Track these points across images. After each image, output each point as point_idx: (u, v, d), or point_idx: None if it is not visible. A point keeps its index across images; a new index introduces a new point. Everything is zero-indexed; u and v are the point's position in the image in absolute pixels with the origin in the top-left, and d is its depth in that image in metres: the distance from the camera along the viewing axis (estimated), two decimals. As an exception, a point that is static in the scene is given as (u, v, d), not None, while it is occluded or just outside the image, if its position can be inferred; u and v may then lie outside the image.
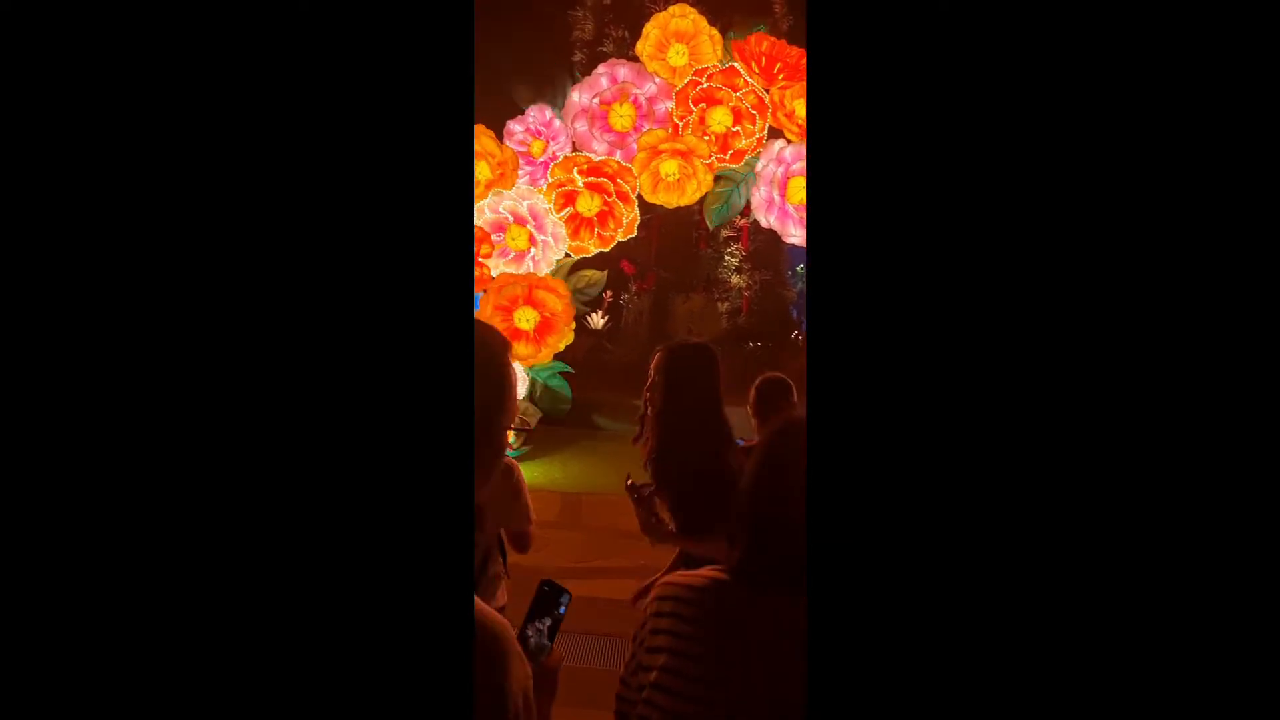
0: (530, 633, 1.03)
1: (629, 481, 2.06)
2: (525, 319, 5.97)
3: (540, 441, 6.28)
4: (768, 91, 6.27)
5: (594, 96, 6.39)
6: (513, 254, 6.15)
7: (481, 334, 0.91)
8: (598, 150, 6.33)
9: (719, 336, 8.31)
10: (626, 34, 8.07)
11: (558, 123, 6.50)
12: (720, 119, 6.27)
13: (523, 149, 6.45)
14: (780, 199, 6.26)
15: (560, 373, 6.30)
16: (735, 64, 6.29)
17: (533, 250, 6.15)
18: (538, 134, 6.49)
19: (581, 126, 6.39)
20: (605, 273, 6.78)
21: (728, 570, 1.06)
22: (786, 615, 0.97)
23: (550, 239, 6.17)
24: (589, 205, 6.21)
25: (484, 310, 5.95)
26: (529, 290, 5.96)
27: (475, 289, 6.01)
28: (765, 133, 6.29)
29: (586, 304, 7.21)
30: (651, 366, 2.13)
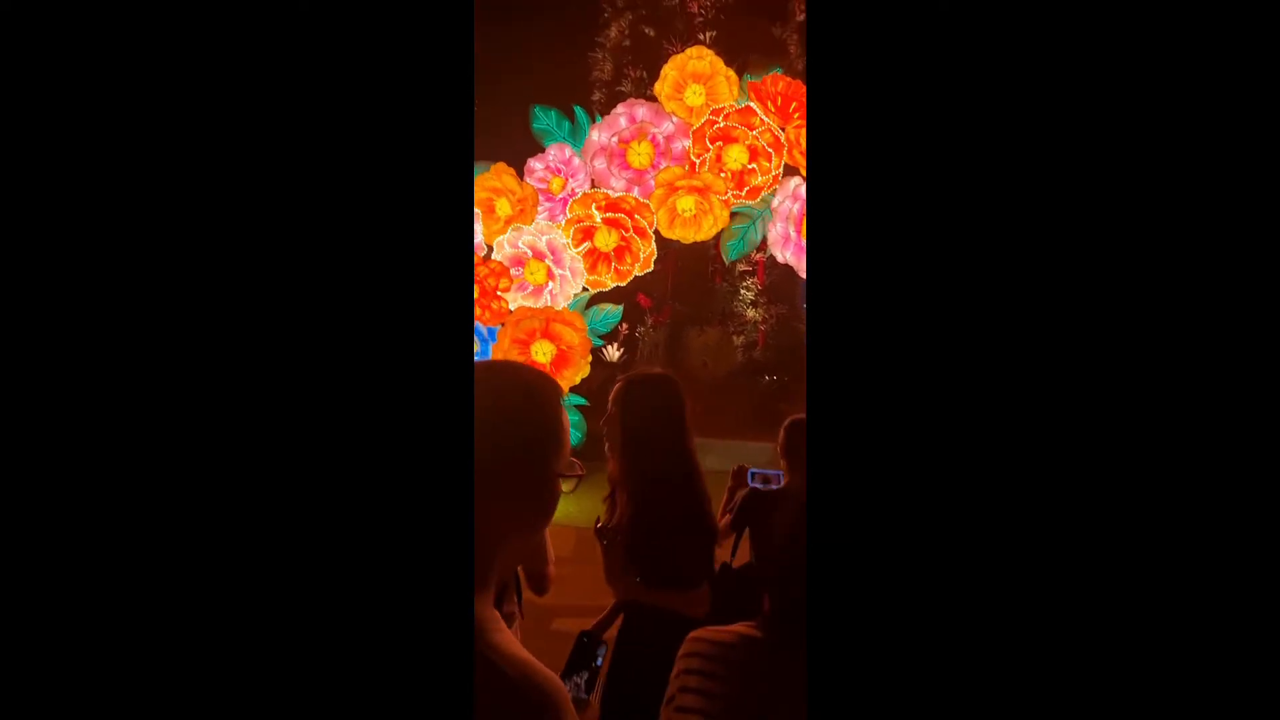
0: (569, 687, 1.00)
1: (598, 524, 1.86)
2: (542, 352, 6.03)
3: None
4: (783, 130, 6.36)
5: (613, 135, 6.52)
6: (531, 288, 6.25)
7: (534, 380, 0.89)
8: (616, 187, 6.44)
9: (734, 370, 8.31)
10: (645, 74, 8.23)
11: (577, 160, 6.63)
12: (737, 156, 6.36)
13: (543, 185, 6.58)
14: (796, 235, 6.32)
15: (575, 405, 6.33)
16: (751, 104, 6.40)
17: (550, 284, 6.24)
18: (557, 171, 6.62)
19: (600, 164, 6.51)
20: (622, 306, 6.84)
21: (760, 625, 0.99)
22: None
23: (568, 273, 6.26)
24: (607, 240, 6.30)
25: (501, 343, 6.03)
26: (546, 323, 6.04)
27: (493, 322, 6.10)
28: (781, 170, 6.37)
29: (602, 337, 7.27)
30: (609, 398, 1.93)
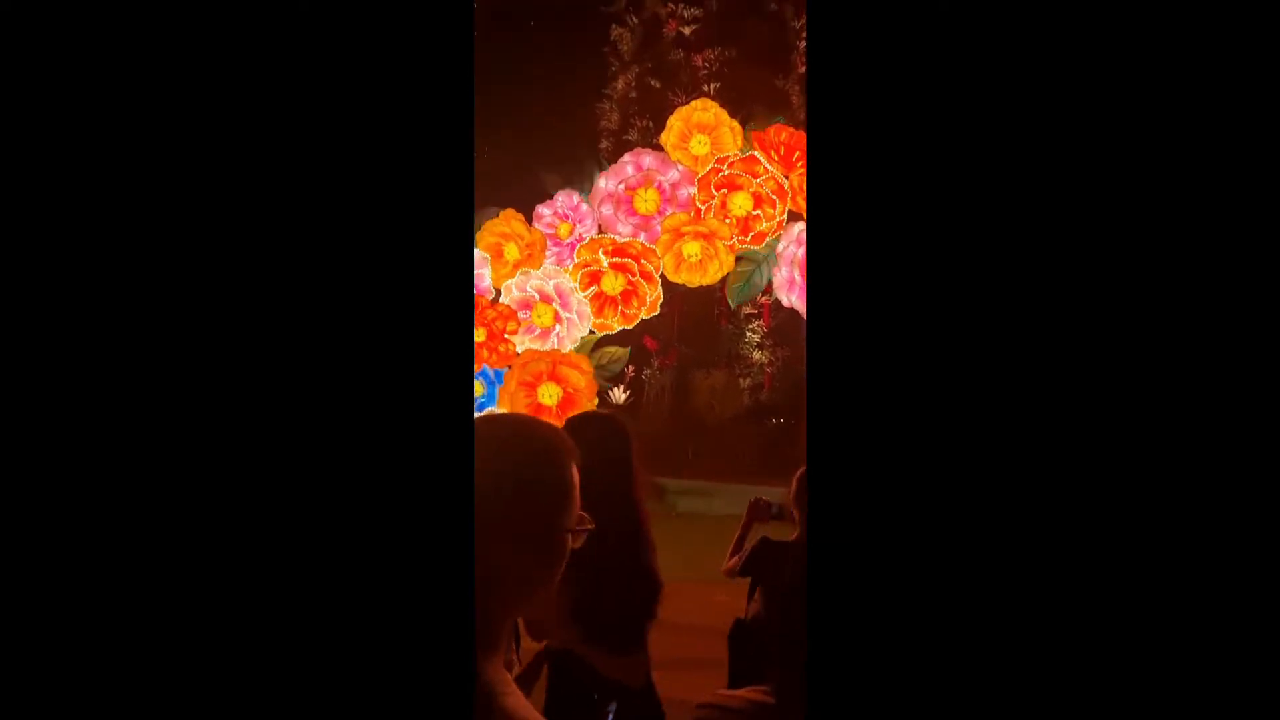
0: None
1: None
2: (548, 394, 6.08)
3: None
4: (786, 178, 6.50)
5: (619, 182, 6.67)
6: (538, 331, 6.33)
7: (550, 438, 0.91)
8: (622, 232, 6.56)
9: (741, 412, 8.32)
10: (650, 124, 8.43)
11: (585, 207, 6.77)
12: (741, 203, 6.49)
13: (551, 231, 6.71)
14: (801, 279, 6.39)
15: (582, 448, 6.33)
16: (755, 152, 6.55)
17: (557, 327, 6.32)
18: (565, 217, 6.76)
19: (607, 210, 6.65)
20: (628, 349, 6.91)
21: (773, 691, 0.96)
22: None
23: (575, 316, 6.35)
24: (613, 284, 6.41)
25: (508, 385, 6.08)
26: (553, 366, 6.10)
27: (500, 364, 6.17)
28: (785, 216, 6.48)
29: (609, 380, 7.30)
30: None
